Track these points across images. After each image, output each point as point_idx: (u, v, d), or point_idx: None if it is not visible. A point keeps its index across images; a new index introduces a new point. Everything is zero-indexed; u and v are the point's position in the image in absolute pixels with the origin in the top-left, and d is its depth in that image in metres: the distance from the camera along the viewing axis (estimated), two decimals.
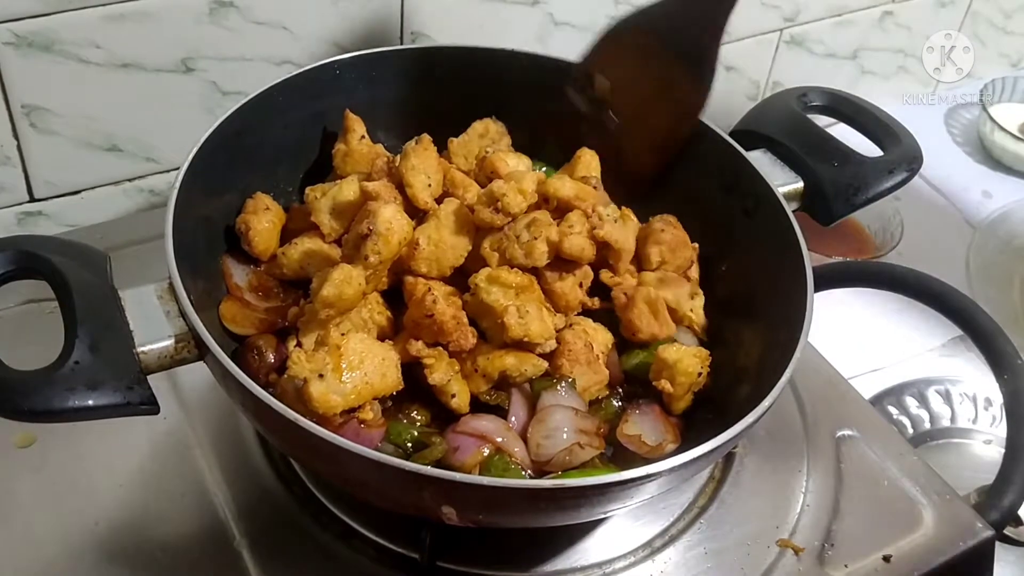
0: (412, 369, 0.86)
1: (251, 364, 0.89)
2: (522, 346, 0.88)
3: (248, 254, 0.96)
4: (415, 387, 0.86)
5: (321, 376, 0.78)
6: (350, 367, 0.79)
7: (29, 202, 1.18)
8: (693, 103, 1.01)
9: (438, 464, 0.83)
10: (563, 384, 0.88)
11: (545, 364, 0.89)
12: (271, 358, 0.89)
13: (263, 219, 0.96)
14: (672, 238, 0.98)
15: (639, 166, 1.06)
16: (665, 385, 0.90)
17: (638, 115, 1.04)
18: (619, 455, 0.88)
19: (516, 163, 1.03)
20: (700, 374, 0.90)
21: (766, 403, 0.78)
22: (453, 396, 0.86)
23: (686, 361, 0.89)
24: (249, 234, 0.95)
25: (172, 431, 0.97)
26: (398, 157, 0.97)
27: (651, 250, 0.98)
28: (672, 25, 0.99)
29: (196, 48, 1.17)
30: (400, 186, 0.94)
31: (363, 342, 0.82)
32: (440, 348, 0.86)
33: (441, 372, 0.85)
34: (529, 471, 0.84)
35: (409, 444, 0.84)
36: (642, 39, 1.02)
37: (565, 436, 0.84)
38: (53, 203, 1.20)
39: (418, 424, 0.87)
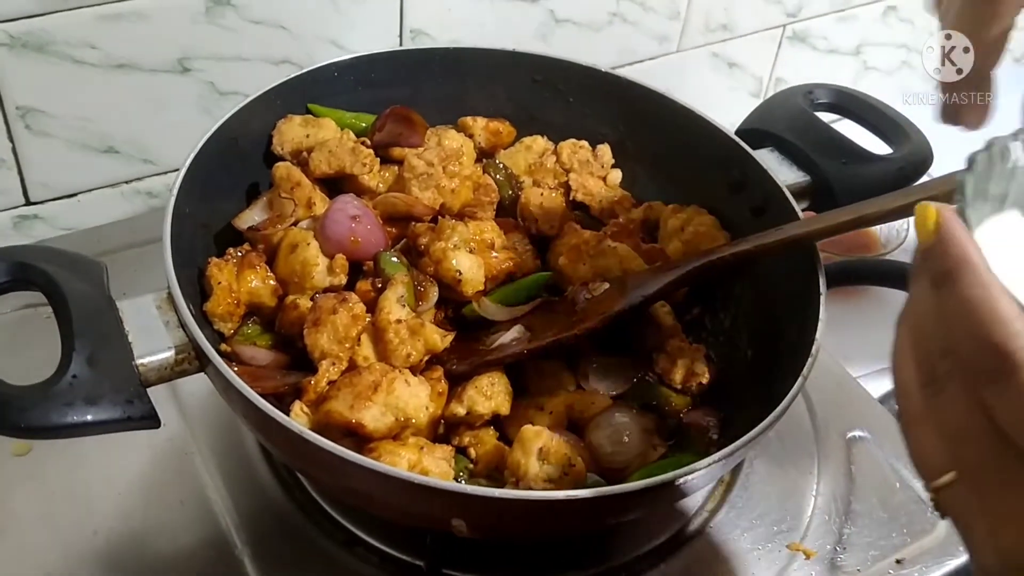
0: None
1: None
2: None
3: None
4: None
5: None
6: None
7: (25, 205, 1.17)
8: None
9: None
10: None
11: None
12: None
13: None
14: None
15: None
16: None
17: None
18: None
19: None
20: None
21: (781, 407, 0.76)
22: None
23: None
24: None
25: (172, 438, 0.96)
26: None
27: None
28: None
29: (193, 48, 1.15)
30: None
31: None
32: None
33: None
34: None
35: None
36: None
37: (633, 439, 0.85)
38: (49, 206, 1.18)
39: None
